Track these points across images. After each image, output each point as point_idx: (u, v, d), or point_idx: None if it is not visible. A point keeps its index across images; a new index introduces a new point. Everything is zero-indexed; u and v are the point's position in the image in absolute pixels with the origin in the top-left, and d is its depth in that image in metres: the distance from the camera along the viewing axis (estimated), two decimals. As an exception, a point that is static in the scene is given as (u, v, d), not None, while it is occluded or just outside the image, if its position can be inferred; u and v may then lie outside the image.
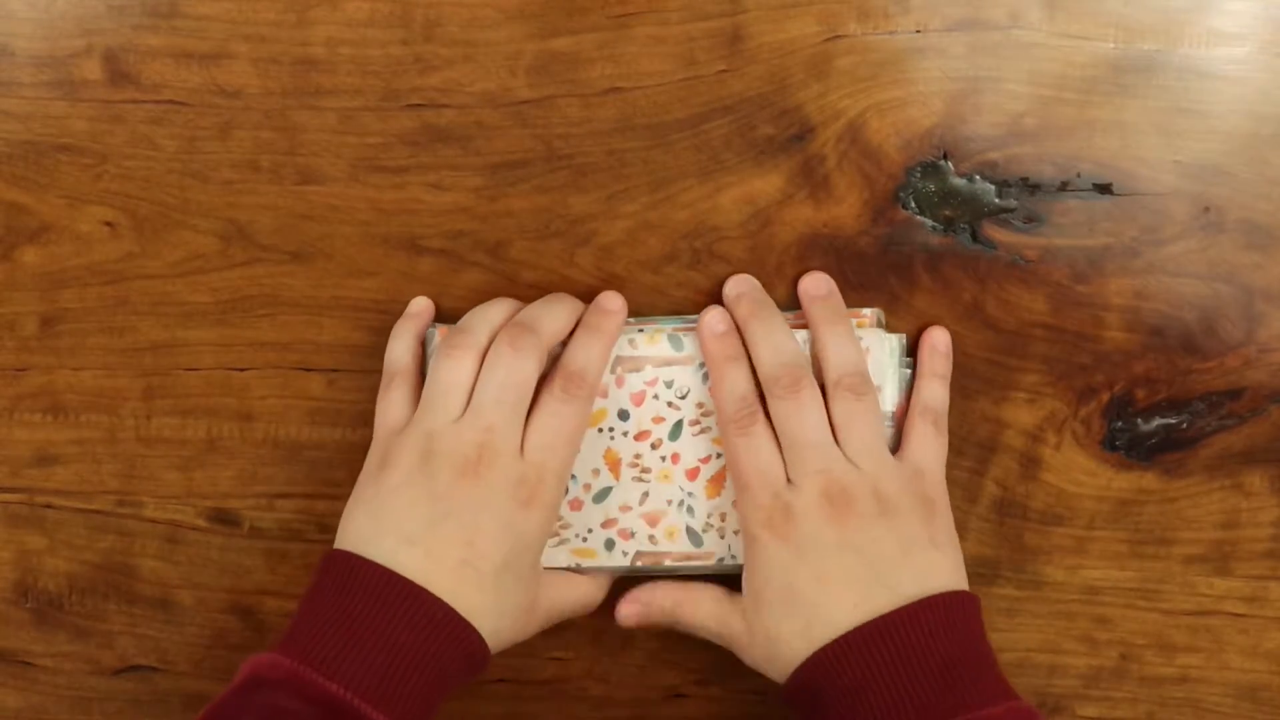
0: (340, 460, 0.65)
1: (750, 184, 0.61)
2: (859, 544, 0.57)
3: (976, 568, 0.65)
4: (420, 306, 0.62)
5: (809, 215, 0.61)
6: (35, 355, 0.64)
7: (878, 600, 0.56)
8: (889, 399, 0.61)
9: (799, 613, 0.57)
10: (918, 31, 0.59)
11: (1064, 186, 0.61)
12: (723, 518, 0.62)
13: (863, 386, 0.59)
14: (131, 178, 0.62)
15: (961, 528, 0.65)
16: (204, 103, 0.61)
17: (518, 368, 0.58)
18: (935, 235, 0.62)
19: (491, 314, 0.60)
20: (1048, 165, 0.60)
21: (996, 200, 0.61)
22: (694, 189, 0.61)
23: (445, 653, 0.55)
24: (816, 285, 0.61)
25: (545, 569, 0.61)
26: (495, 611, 0.57)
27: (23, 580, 0.67)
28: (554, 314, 0.59)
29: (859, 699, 0.55)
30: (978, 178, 0.61)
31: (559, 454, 0.58)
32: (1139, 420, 0.63)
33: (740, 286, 0.61)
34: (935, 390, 0.61)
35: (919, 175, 0.61)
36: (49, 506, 0.66)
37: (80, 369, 0.64)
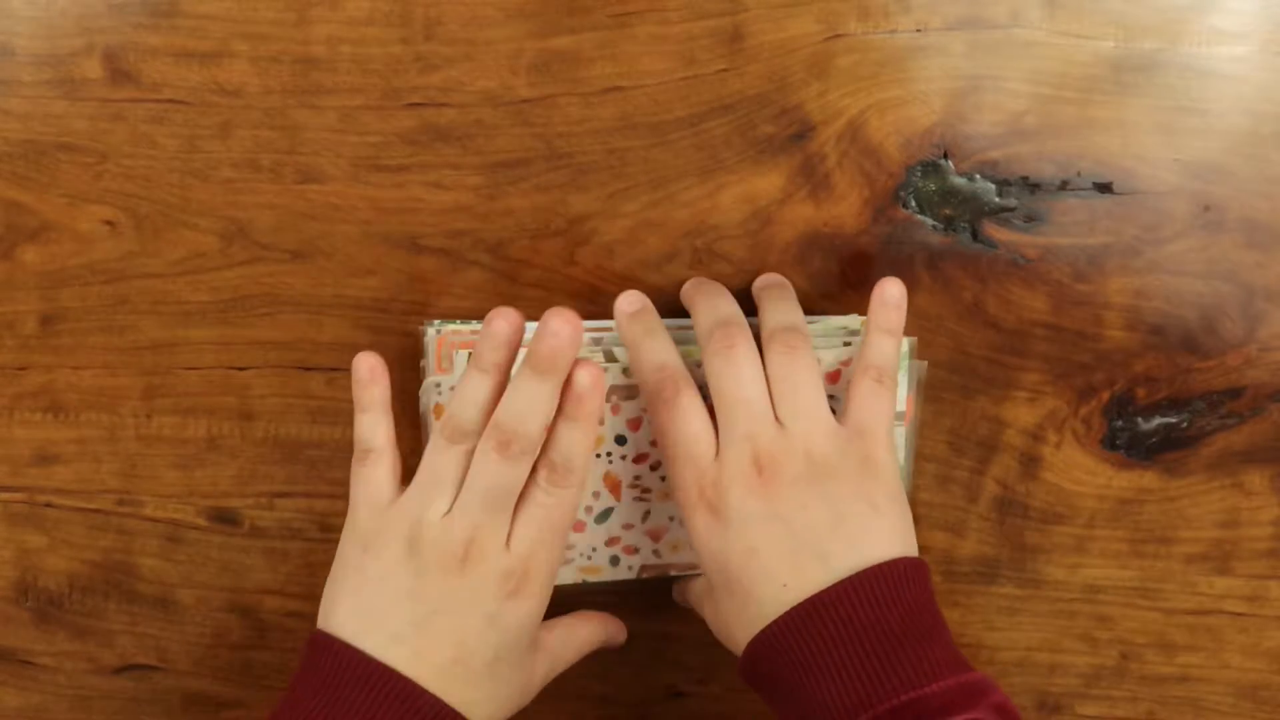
0: (340, 459, 0.65)
1: (751, 183, 0.61)
2: (786, 514, 0.54)
3: (977, 567, 0.65)
4: (366, 372, 0.59)
5: (809, 214, 0.61)
6: (35, 354, 0.64)
7: (809, 574, 0.53)
8: (898, 398, 0.60)
9: (735, 593, 0.55)
10: (918, 30, 0.59)
11: (1064, 185, 0.61)
12: None
13: (796, 341, 0.56)
14: (132, 176, 0.62)
15: (962, 527, 0.65)
16: (204, 101, 0.61)
17: (505, 473, 0.55)
18: (936, 234, 0.62)
19: (480, 395, 0.56)
20: (1048, 164, 0.60)
21: (997, 199, 0.61)
22: (694, 188, 0.61)
23: None
24: (766, 279, 0.62)
25: (541, 627, 0.58)
26: (489, 701, 0.56)
27: (23, 579, 0.67)
28: (537, 406, 0.55)
29: (800, 684, 0.53)
30: (978, 177, 0.61)
31: (547, 544, 0.56)
32: (1139, 419, 0.63)
33: (694, 283, 0.61)
34: (882, 345, 0.58)
35: (919, 174, 0.61)
36: (49, 505, 0.66)
37: (80, 368, 0.64)
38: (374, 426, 0.59)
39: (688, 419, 0.56)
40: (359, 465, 0.59)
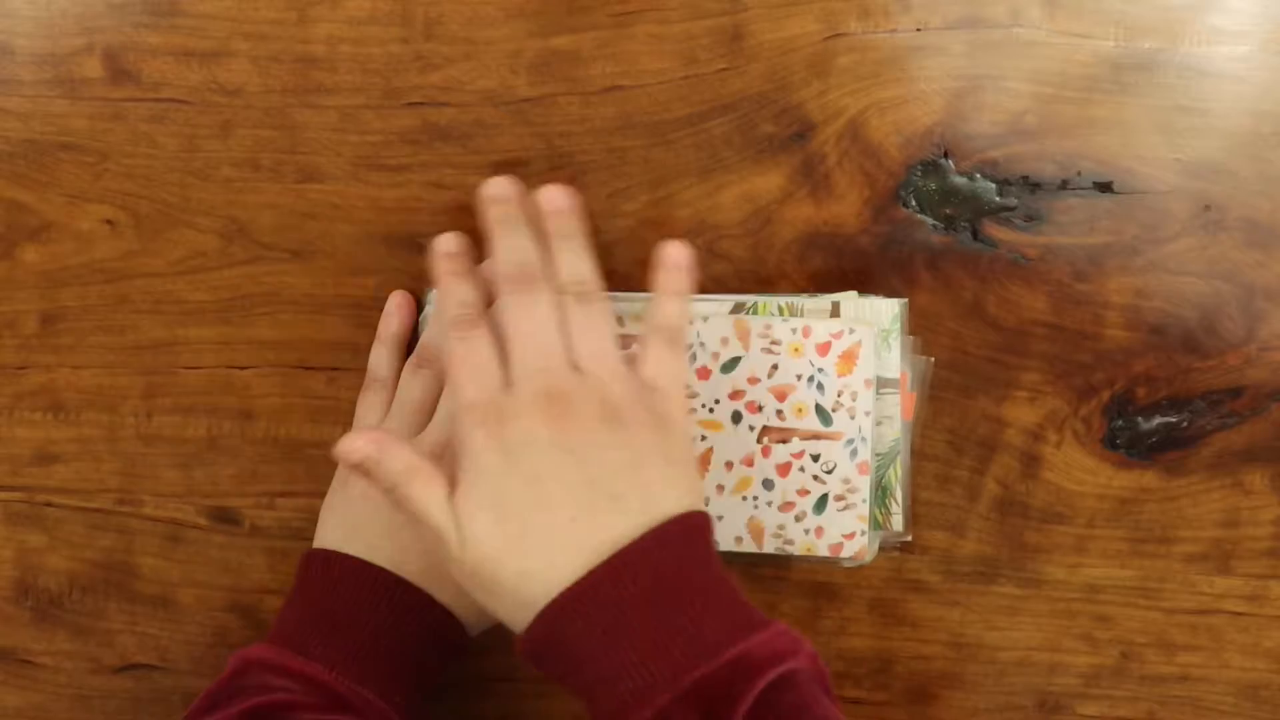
0: (340, 459, 0.65)
1: (751, 182, 0.61)
2: (577, 447, 0.51)
3: (977, 566, 0.65)
4: (396, 304, 0.62)
5: (809, 213, 0.61)
6: (36, 353, 0.64)
7: (601, 513, 0.51)
8: (892, 366, 0.60)
9: (510, 524, 0.51)
10: (918, 30, 0.59)
11: (1064, 185, 0.61)
12: (854, 396, 0.60)
13: (589, 292, 0.55)
14: (132, 176, 0.62)
15: (962, 526, 0.65)
16: (204, 101, 0.61)
17: None
18: (936, 234, 0.62)
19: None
20: (1048, 163, 0.60)
21: (997, 198, 0.61)
22: (694, 187, 0.61)
23: (423, 634, 0.57)
24: (551, 197, 0.58)
25: None
26: (468, 607, 0.58)
27: (23, 579, 0.67)
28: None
29: (613, 645, 0.49)
30: (978, 176, 0.61)
31: None
32: (1139, 419, 0.63)
33: (494, 189, 0.58)
34: (671, 307, 0.56)
35: (920, 173, 0.61)
36: (49, 505, 0.66)
37: (81, 367, 0.64)
38: (384, 359, 0.62)
39: (477, 349, 0.54)
40: (362, 393, 0.62)
